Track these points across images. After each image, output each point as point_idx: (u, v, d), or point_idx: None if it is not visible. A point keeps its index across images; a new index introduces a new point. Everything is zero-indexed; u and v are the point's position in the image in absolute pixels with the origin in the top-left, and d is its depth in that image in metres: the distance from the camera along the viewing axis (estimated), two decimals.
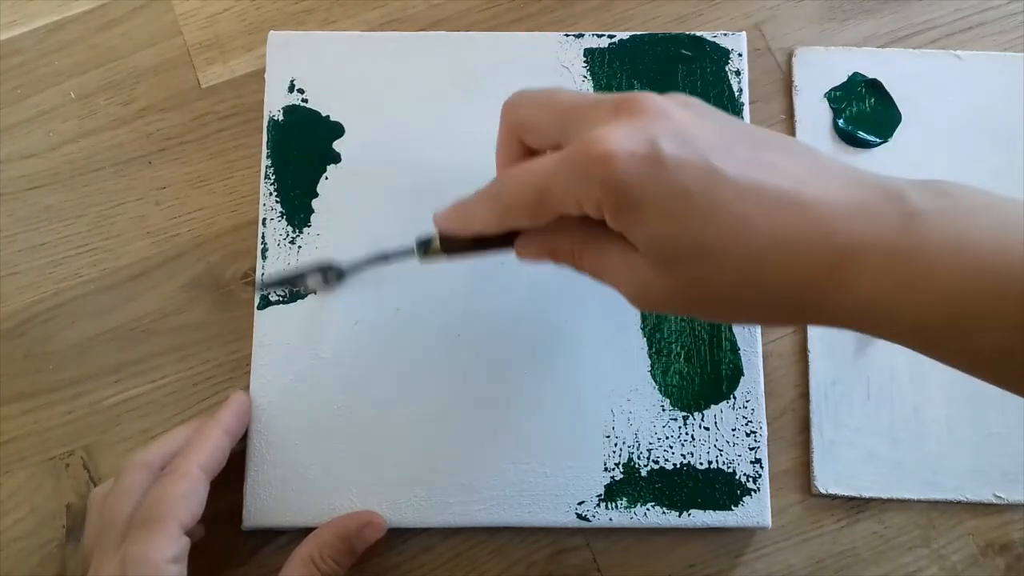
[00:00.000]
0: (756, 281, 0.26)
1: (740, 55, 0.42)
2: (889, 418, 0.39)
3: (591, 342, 0.39)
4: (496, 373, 0.39)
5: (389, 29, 0.44)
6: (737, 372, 0.39)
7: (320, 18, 0.45)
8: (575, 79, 0.42)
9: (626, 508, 0.38)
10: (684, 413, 0.39)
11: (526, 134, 0.31)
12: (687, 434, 0.39)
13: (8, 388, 0.41)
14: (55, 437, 0.40)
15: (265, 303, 0.40)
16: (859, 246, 0.25)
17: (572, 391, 0.39)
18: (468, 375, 0.39)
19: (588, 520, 0.38)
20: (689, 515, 0.38)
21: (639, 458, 0.38)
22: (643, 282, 0.28)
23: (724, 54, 0.42)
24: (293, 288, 0.40)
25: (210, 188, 0.43)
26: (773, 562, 0.39)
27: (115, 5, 0.45)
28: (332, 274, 0.39)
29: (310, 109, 0.42)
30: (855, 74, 0.43)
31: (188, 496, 0.33)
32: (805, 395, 0.40)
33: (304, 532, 0.37)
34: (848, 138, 0.42)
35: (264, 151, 0.42)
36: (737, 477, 0.38)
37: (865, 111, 0.42)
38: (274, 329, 0.40)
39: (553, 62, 0.42)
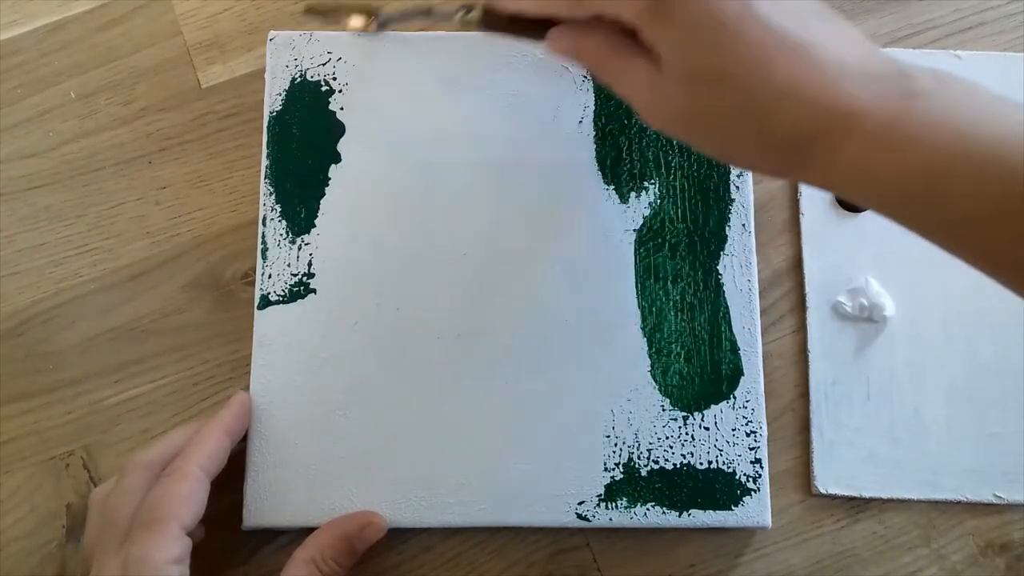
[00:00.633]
0: (762, 120, 0.28)
1: None
2: (889, 418, 0.39)
3: (591, 342, 0.39)
4: (496, 373, 0.39)
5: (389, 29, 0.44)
6: (737, 372, 0.39)
7: (320, 18, 0.45)
8: (575, 79, 0.42)
9: (626, 508, 0.38)
10: (684, 413, 0.39)
11: None
12: (687, 434, 0.39)
13: (8, 388, 0.41)
14: (55, 437, 0.40)
15: (265, 303, 0.40)
16: (859, 110, 0.26)
17: (572, 391, 0.39)
18: (468, 375, 0.39)
19: (588, 520, 0.38)
20: (689, 515, 0.38)
21: (639, 458, 0.38)
22: (660, 98, 0.30)
23: None
24: (334, 18, 0.41)
25: (210, 188, 0.43)
26: (773, 562, 0.39)
27: (115, 5, 0.45)
28: (374, 18, 0.40)
29: (310, 109, 0.42)
30: None
31: (189, 496, 0.33)
32: (805, 395, 0.40)
33: (304, 532, 0.37)
34: None
35: (264, 151, 0.42)
36: (737, 477, 0.38)
37: None
38: (274, 329, 0.40)
39: (553, 62, 0.42)
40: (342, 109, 0.42)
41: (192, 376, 0.41)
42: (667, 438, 0.39)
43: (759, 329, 0.40)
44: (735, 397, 0.39)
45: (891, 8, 0.44)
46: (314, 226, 0.41)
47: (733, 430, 0.39)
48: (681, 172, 0.41)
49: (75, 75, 0.44)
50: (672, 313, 0.40)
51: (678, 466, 0.38)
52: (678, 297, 0.40)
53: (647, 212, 0.41)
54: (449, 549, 0.39)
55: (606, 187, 0.41)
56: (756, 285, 0.40)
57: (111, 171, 0.43)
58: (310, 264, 0.40)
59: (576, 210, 0.41)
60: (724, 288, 0.40)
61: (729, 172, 0.41)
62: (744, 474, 0.38)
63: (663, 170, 0.41)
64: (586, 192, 0.41)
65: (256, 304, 0.40)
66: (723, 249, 0.40)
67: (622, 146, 0.41)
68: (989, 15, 0.44)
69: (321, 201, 0.41)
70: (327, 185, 0.41)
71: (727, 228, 0.41)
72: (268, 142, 0.42)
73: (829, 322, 0.41)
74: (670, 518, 0.38)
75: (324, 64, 0.42)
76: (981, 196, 0.25)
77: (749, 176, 0.41)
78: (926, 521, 0.39)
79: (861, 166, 0.27)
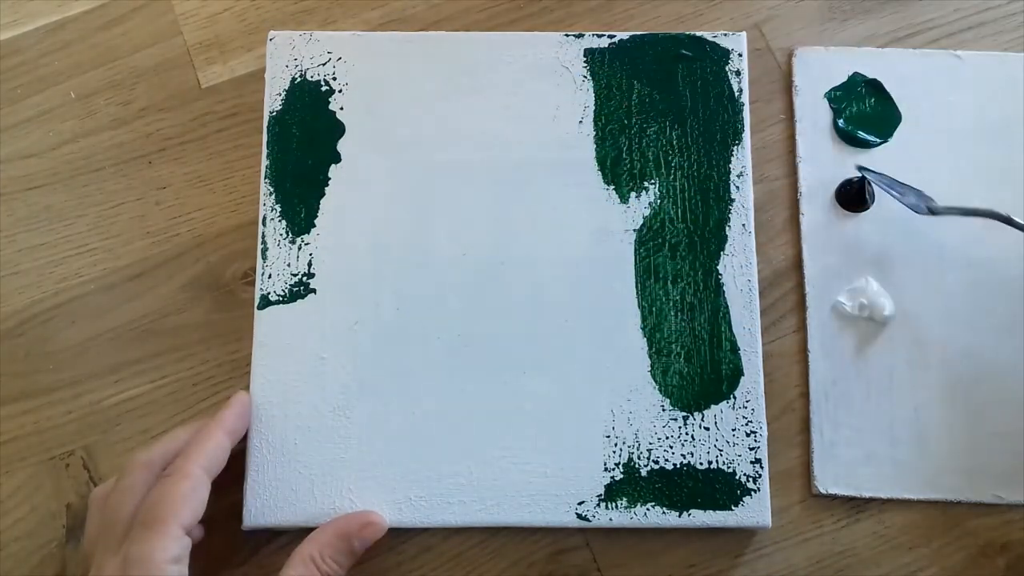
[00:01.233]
0: None
1: (740, 55, 0.42)
2: (889, 418, 0.39)
3: (591, 342, 0.39)
4: (496, 373, 0.39)
5: (389, 29, 0.44)
6: (737, 372, 0.39)
7: (320, 18, 0.45)
8: (575, 79, 0.42)
9: (626, 508, 0.38)
10: (684, 413, 0.39)
11: None
12: (687, 434, 0.39)
13: (8, 388, 0.41)
14: (55, 437, 0.40)
15: (265, 303, 0.40)
16: None
17: (572, 391, 0.39)
18: (468, 375, 0.39)
19: (588, 520, 0.38)
20: (689, 515, 0.38)
21: (639, 458, 0.38)
22: None
23: (724, 54, 0.42)
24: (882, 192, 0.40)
25: (210, 188, 0.43)
26: (773, 562, 0.39)
27: (115, 5, 0.45)
28: (925, 200, 0.39)
29: (310, 109, 0.42)
30: (855, 74, 0.43)
31: (190, 496, 0.33)
32: (805, 395, 0.40)
33: (304, 532, 0.36)
34: (848, 138, 0.42)
35: (264, 151, 0.42)
36: (737, 477, 0.38)
37: (865, 111, 0.42)
38: (274, 329, 0.40)
39: (553, 62, 0.42)
40: (342, 109, 0.42)
41: (192, 376, 0.41)
42: (667, 438, 0.39)
43: (759, 329, 0.40)
44: (735, 397, 0.39)
45: (891, 8, 0.44)
46: (314, 226, 0.41)
47: (733, 430, 0.39)
48: (681, 172, 0.41)
49: (75, 75, 0.44)
50: (672, 313, 0.40)
51: (678, 466, 0.38)
52: (678, 297, 0.40)
53: (647, 212, 0.41)
54: (449, 549, 0.39)
55: (606, 187, 0.41)
56: (756, 285, 0.40)
57: (111, 171, 0.43)
58: (310, 264, 0.40)
59: (576, 210, 0.41)
60: (724, 288, 0.40)
61: (729, 172, 0.41)
62: (744, 474, 0.38)
63: (663, 170, 0.41)
64: (586, 192, 0.41)
65: (256, 304, 0.40)
66: (723, 249, 0.40)
67: (622, 146, 0.41)
68: (989, 15, 0.44)
69: (321, 201, 0.41)
70: (327, 185, 0.41)
71: (727, 228, 0.41)
72: (268, 142, 0.42)
73: (829, 322, 0.41)
74: (670, 518, 0.38)
75: (324, 64, 0.42)
76: None
77: (749, 176, 0.41)
78: (926, 521, 0.39)
79: None
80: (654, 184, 0.41)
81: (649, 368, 0.39)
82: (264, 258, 0.41)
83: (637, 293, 0.40)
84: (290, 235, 0.41)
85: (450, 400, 0.39)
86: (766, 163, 0.43)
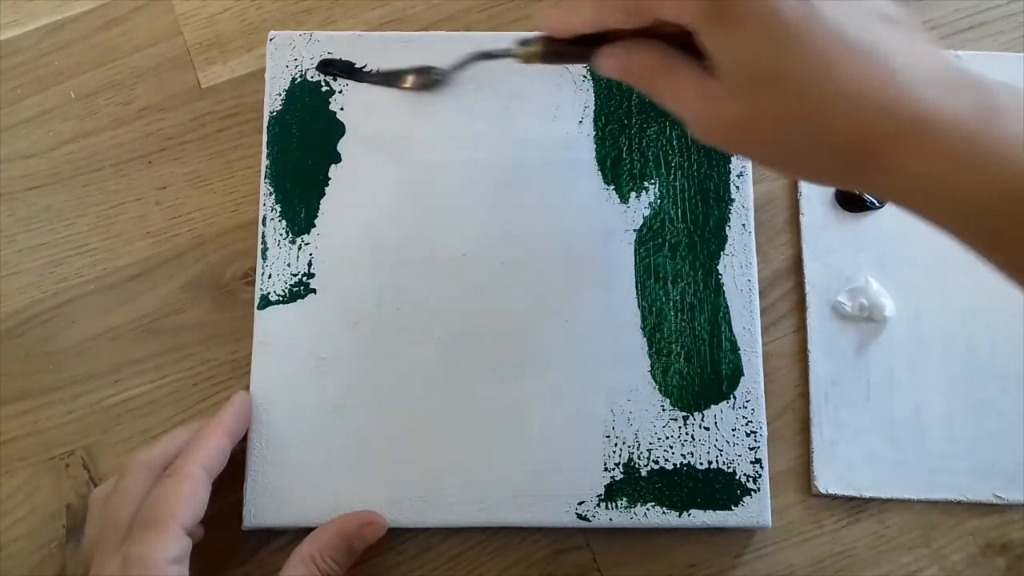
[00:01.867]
0: (821, 126, 0.26)
1: None
2: (889, 418, 0.39)
3: (591, 342, 0.39)
4: (496, 373, 0.39)
5: (389, 29, 0.44)
6: (737, 372, 0.39)
7: (320, 18, 0.45)
8: (575, 79, 0.42)
9: (626, 508, 0.38)
10: (684, 413, 0.39)
11: None
12: (687, 434, 0.39)
13: (8, 388, 0.41)
14: (55, 437, 0.40)
15: (265, 303, 0.40)
16: (936, 120, 0.25)
17: (572, 391, 0.39)
18: (468, 375, 0.39)
19: (588, 520, 0.38)
20: (689, 515, 0.38)
21: (639, 458, 0.38)
22: (712, 109, 0.28)
23: None
24: (392, 83, 0.41)
25: (210, 188, 0.43)
26: (773, 562, 0.39)
27: (115, 5, 0.45)
28: (431, 76, 0.40)
29: (311, 109, 0.42)
30: None
31: (190, 497, 0.33)
32: (805, 395, 0.40)
33: (304, 532, 0.36)
34: None
35: (264, 151, 0.42)
36: (737, 477, 0.38)
37: None
38: (274, 329, 0.40)
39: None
40: (342, 109, 0.42)
41: (192, 376, 0.41)
42: (667, 438, 0.39)
43: (759, 329, 0.40)
44: (735, 397, 0.39)
45: None
46: (314, 226, 0.41)
47: (733, 430, 0.39)
48: (681, 172, 0.41)
49: (75, 75, 0.44)
50: (672, 313, 0.40)
51: (678, 466, 0.38)
52: (678, 297, 0.40)
53: (647, 212, 0.41)
54: (449, 549, 0.39)
55: (606, 187, 0.41)
56: (756, 285, 0.40)
57: (111, 171, 0.43)
58: (310, 264, 0.40)
59: (576, 210, 0.41)
60: (724, 288, 0.40)
61: (729, 172, 0.41)
62: (744, 474, 0.38)
63: (663, 170, 0.41)
64: (586, 192, 0.41)
65: (256, 304, 0.40)
66: (723, 249, 0.40)
67: (622, 146, 0.41)
68: (989, 15, 0.44)
69: (321, 201, 0.41)
70: (327, 185, 0.41)
71: (727, 228, 0.41)
72: (268, 142, 0.42)
73: (829, 322, 0.41)
74: (670, 518, 0.38)
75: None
76: None
77: (749, 176, 0.41)
78: (926, 521, 0.39)
79: (934, 178, 0.25)
80: (654, 184, 0.41)
81: (649, 368, 0.39)
82: (264, 258, 0.41)
83: (637, 293, 0.40)
84: (290, 235, 0.41)
85: (450, 400, 0.39)
86: None
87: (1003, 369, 0.40)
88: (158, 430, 0.40)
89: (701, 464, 0.38)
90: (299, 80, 0.42)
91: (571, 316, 0.40)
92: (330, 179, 0.41)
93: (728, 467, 0.38)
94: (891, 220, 0.41)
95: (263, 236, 0.41)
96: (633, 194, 0.41)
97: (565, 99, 0.42)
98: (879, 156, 0.26)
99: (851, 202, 0.41)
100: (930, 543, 0.39)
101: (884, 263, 0.41)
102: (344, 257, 0.40)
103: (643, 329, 0.40)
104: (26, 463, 0.40)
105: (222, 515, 0.37)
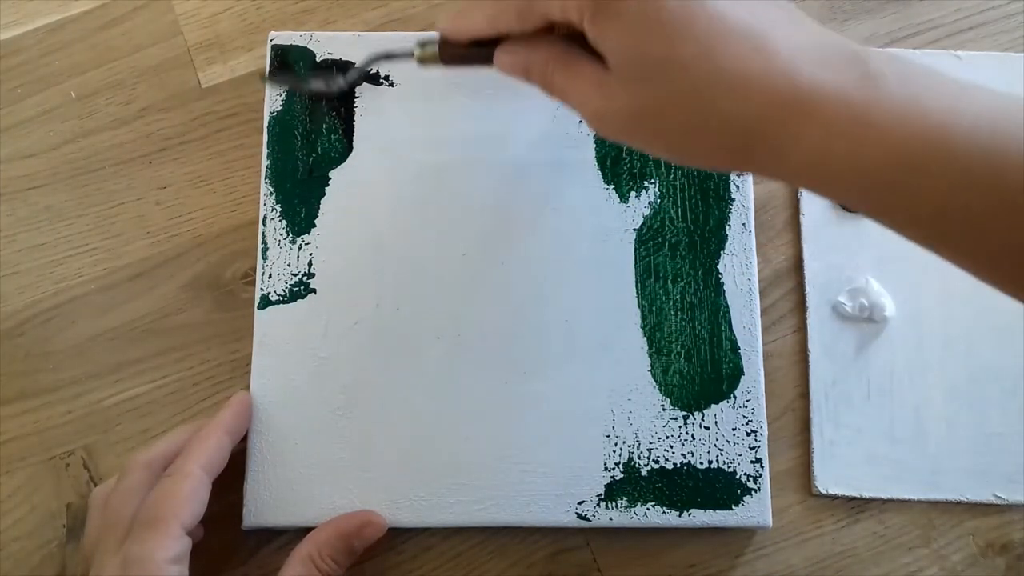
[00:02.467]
0: (710, 110, 0.27)
1: None
2: (889, 418, 0.39)
3: (591, 342, 0.39)
4: (496, 373, 0.39)
5: (389, 29, 0.44)
6: (737, 372, 0.39)
7: (320, 18, 0.45)
8: None
9: (626, 508, 0.38)
10: (684, 413, 0.39)
11: None
12: (687, 434, 0.39)
13: (8, 388, 0.41)
14: (55, 437, 0.40)
15: (265, 303, 0.40)
16: (817, 97, 0.25)
17: (572, 391, 0.39)
18: (468, 375, 0.39)
19: (588, 520, 0.38)
20: (689, 515, 0.38)
21: (639, 458, 0.38)
22: (607, 101, 0.29)
23: None
24: (298, 92, 0.41)
25: (210, 188, 0.43)
26: (773, 562, 0.39)
27: (115, 5, 0.45)
28: (334, 77, 0.41)
29: (310, 109, 0.42)
30: None
31: (190, 496, 0.33)
32: (805, 395, 0.40)
33: (304, 532, 0.36)
34: None
35: (264, 151, 0.42)
36: (737, 477, 0.38)
37: None
38: (274, 329, 0.40)
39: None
40: (342, 109, 0.42)
41: (192, 376, 0.41)
42: (667, 438, 0.39)
43: (759, 329, 0.40)
44: (735, 397, 0.39)
45: (891, 8, 0.44)
46: (314, 226, 0.41)
47: (733, 430, 0.39)
48: (681, 171, 0.41)
49: (75, 75, 0.44)
50: (672, 312, 0.40)
51: (678, 466, 0.38)
52: (678, 296, 0.40)
53: (647, 212, 0.41)
54: (449, 549, 0.39)
55: (606, 187, 0.41)
56: (756, 285, 0.40)
57: (111, 171, 0.43)
58: (310, 264, 0.40)
59: (576, 210, 0.41)
60: (724, 288, 0.40)
61: (729, 172, 0.41)
62: (744, 474, 0.38)
63: (663, 169, 0.41)
64: (586, 192, 0.41)
65: (256, 304, 0.40)
66: (723, 249, 0.40)
67: (622, 145, 0.41)
68: (989, 15, 0.44)
69: (321, 201, 0.41)
70: (327, 185, 0.41)
71: (727, 228, 0.41)
72: (268, 142, 0.42)
73: (829, 322, 0.41)
74: (670, 518, 0.38)
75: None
76: (962, 187, 0.24)
77: (749, 176, 0.41)
78: (926, 521, 0.39)
79: (821, 156, 0.26)
80: (654, 183, 0.41)
81: (649, 368, 0.39)
82: (264, 258, 0.41)
83: (637, 292, 0.40)
84: (290, 235, 0.41)
85: (450, 400, 0.39)
86: None
87: (1003, 369, 0.40)
88: (158, 430, 0.40)
89: (701, 464, 0.38)
90: None
91: (571, 316, 0.40)
92: (330, 179, 0.41)
93: (728, 467, 0.38)
94: None
95: (263, 236, 0.41)
96: (633, 193, 0.41)
97: None
98: (769, 137, 0.26)
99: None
100: (930, 543, 0.39)
101: (884, 263, 0.41)
102: (344, 257, 0.40)
103: (643, 328, 0.40)
104: (26, 463, 0.40)
105: (222, 515, 0.37)
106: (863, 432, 0.39)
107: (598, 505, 0.38)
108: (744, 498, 0.38)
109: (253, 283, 0.41)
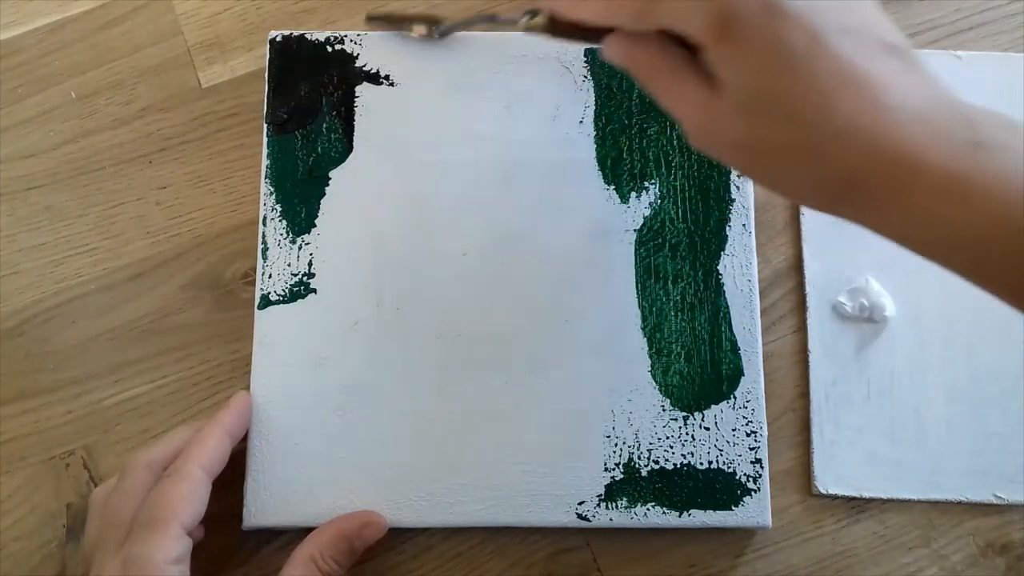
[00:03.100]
0: (819, 158, 0.27)
1: None
2: (889, 418, 0.39)
3: (591, 342, 0.39)
4: (496, 373, 0.39)
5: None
6: (737, 372, 0.39)
7: (320, 18, 0.45)
8: (575, 79, 0.42)
9: (626, 508, 0.38)
10: (684, 413, 0.39)
11: None
12: (687, 434, 0.39)
13: (8, 388, 0.41)
14: (55, 437, 0.40)
15: (265, 303, 0.40)
16: (922, 158, 0.25)
17: (572, 391, 0.39)
18: (468, 375, 0.39)
19: (588, 520, 0.38)
20: (689, 515, 0.38)
21: (639, 458, 0.38)
22: (714, 123, 0.29)
23: None
24: (396, 27, 0.42)
25: (210, 188, 0.43)
26: (773, 562, 0.39)
27: (115, 5, 0.45)
28: (436, 26, 0.41)
29: (311, 109, 0.42)
30: None
31: (190, 497, 0.33)
32: (805, 395, 0.40)
33: (304, 532, 0.37)
34: None
35: (264, 151, 0.42)
36: (737, 477, 0.38)
37: None
38: (274, 329, 0.40)
39: (553, 62, 0.42)
40: (343, 109, 0.42)
41: (192, 376, 0.41)
42: (667, 438, 0.39)
43: (759, 329, 0.40)
44: (735, 397, 0.39)
45: (891, 8, 0.44)
46: (314, 226, 0.41)
47: (733, 430, 0.39)
48: (682, 172, 0.41)
49: (75, 75, 0.44)
50: (672, 313, 0.40)
51: (678, 466, 0.38)
52: (678, 297, 0.40)
53: (647, 212, 0.41)
54: (449, 549, 0.39)
55: (606, 187, 0.41)
56: (756, 285, 0.40)
57: (111, 171, 0.43)
58: (310, 264, 0.40)
59: (576, 210, 0.41)
60: (724, 288, 0.40)
61: (729, 172, 0.41)
62: (744, 474, 0.38)
63: (663, 170, 0.41)
64: (586, 192, 0.41)
65: (256, 304, 0.40)
66: (723, 249, 0.40)
67: (622, 146, 0.41)
68: (989, 15, 0.44)
69: (321, 201, 0.41)
70: (327, 185, 0.41)
71: (727, 228, 0.41)
72: (268, 142, 0.42)
73: (829, 322, 0.41)
74: (670, 518, 0.38)
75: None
76: None
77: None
78: (926, 521, 0.39)
79: (922, 217, 0.26)
80: (654, 184, 0.41)
81: (649, 368, 0.39)
82: (264, 258, 0.41)
83: (637, 293, 0.40)
84: (290, 235, 0.41)
85: (450, 400, 0.39)
86: None
87: (1003, 369, 0.40)
88: (158, 430, 0.40)
89: (701, 464, 0.38)
90: None
91: (571, 316, 0.40)
92: (330, 179, 0.41)
93: (728, 467, 0.38)
94: None
95: (263, 236, 0.41)
96: (633, 194, 0.41)
97: (565, 99, 0.42)
98: (872, 193, 0.26)
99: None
100: (930, 543, 0.39)
101: (884, 263, 0.41)
102: (344, 257, 0.40)
103: (643, 329, 0.40)
104: (26, 463, 0.40)
105: (222, 515, 0.37)
106: (863, 432, 0.39)
107: (598, 505, 0.38)
108: (744, 498, 0.38)
109: (253, 283, 0.41)
